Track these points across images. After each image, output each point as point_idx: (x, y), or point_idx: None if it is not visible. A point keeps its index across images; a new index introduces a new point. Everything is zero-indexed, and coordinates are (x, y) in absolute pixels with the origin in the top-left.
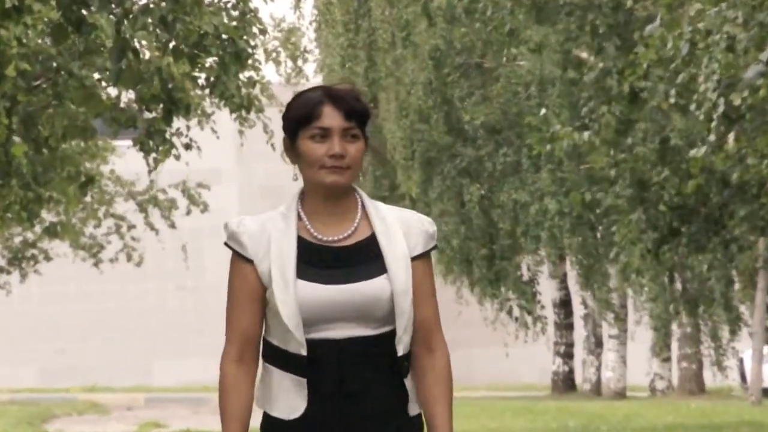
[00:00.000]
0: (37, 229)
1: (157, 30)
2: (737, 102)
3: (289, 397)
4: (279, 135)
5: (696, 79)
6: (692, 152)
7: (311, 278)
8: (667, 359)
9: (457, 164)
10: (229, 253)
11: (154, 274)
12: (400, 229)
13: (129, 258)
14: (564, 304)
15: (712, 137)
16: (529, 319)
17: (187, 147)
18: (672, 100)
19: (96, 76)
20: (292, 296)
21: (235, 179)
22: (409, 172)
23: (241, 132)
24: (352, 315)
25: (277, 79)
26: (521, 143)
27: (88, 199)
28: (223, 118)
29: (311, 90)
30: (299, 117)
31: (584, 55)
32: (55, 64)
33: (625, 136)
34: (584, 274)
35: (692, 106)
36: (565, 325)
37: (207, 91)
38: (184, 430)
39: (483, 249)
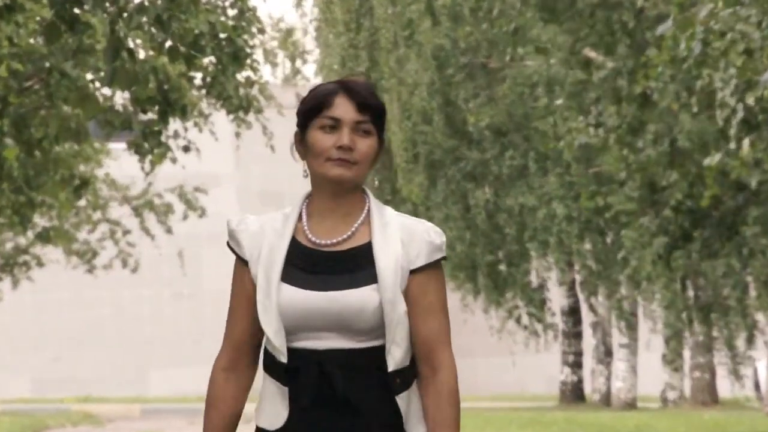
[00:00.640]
0: (30, 234)
1: (153, 29)
2: (750, 101)
3: (274, 407)
4: (278, 137)
5: (711, 82)
6: (706, 161)
7: (295, 283)
8: (679, 369)
9: (462, 167)
10: (225, 258)
11: (150, 281)
12: (399, 237)
13: (124, 264)
14: (572, 312)
15: (732, 145)
16: (538, 327)
17: (186, 149)
18: (683, 101)
19: (89, 76)
20: (273, 300)
21: (234, 183)
22: (411, 175)
23: (238, 134)
24: (334, 325)
25: (274, 80)
26: (528, 146)
27: (82, 203)
28: (221, 120)
29: (328, 83)
30: (311, 106)
31: (593, 54)
32: (47, 64)
33: (635, 137)
34: (593, 281)
35: (714, 111)
36: (574, 334)
37: (204, 91)
38: None
39: (489, 255)
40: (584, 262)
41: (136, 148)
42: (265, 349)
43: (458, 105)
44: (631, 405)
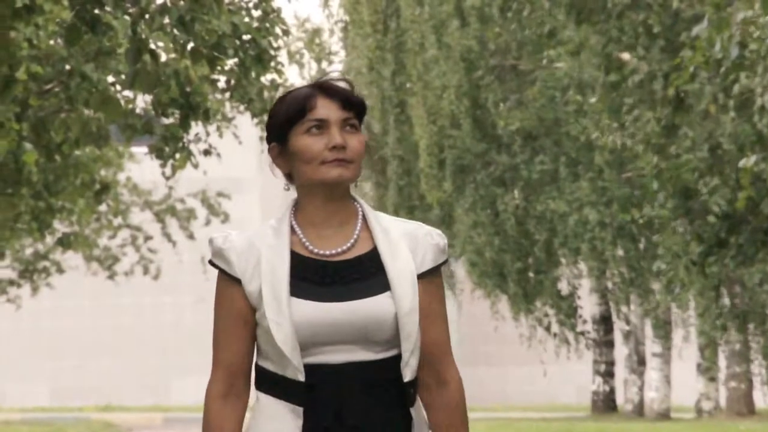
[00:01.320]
0: (49, 240)
1: (175, 31)
2: None
3: (282, 427)
4: None
5: (749, 86)
6: (741, 162)
7: (306, 296)
8: (714, 378)
9: (491, 172)
10: None
11: (172, 288)
12: (405, 243)
13: (145, 271)
14: (604, 320)
15: None
16: (569, 335)
17: (206, 153)
18: (720, 104)
19: (110, 79)
20: (287, 316)
21: (257, 188)
22: (435, 180)
23: (262, 138)
24: (353, 337)
25: (300, 82)
26: (559, 150)
27: (102, 208)
28: (245, 123)
29: (297, 88)
30: (290, 113)
31: (626, 56)
32: (67, 67)
33: (669, 142)
34: (626, 289)
35: (751, 114)
36: (606, 343)
37: (227, 94)
38: None
39: (518, 262)
40: (617, 269)
41: (158, 153)
42: (263, 369)
43: (487, 108)
44: (664, 415)
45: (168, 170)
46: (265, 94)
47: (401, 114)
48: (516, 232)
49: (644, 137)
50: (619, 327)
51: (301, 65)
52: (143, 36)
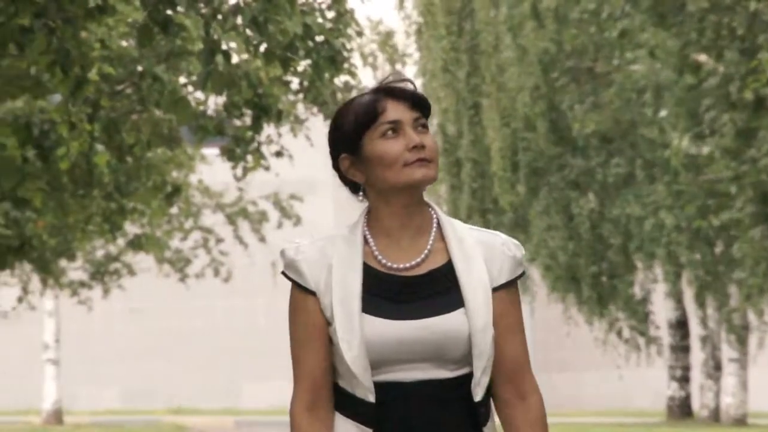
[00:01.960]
0: (120, 242)
1: (248, 31)
2: None
3: None
4: None
5: None
6: None
7: (379, 313)
8: None
9: (566, 175)
10: None
11: (243, 291)
12: (480, 255)
13: (216, 273)
14: (680, 325)
15: None
16: (641, 340)
17: (278, 154)
18: None
19: (182, 80)
20: (358, 335)
21: (330, 191)
22: (509, 184)
23: None
24: (425, 355)
25: (373, 84)
26: (635, 153)
27: (173, 210)
28: (318, 124)
29: (359, 96)
30: (360, 120)
31: (703, 58)
32: (139, 68)
33: (747, 146)
34: (702, 293)
35: None
36: (682, 347)
37: (300, 96)
38: None
39: (592, 266)
40: (694, 274)
41: (229, 154)
42: (337, 386)
43: (562, 110)
44: (741, 421)
45: (239, 172)
46: (338, 96)
47: (475, 116)
48: (590, 236)
49: (721, 140)
50: (696, 332)
51: (374, 67)
52: (216, 37)
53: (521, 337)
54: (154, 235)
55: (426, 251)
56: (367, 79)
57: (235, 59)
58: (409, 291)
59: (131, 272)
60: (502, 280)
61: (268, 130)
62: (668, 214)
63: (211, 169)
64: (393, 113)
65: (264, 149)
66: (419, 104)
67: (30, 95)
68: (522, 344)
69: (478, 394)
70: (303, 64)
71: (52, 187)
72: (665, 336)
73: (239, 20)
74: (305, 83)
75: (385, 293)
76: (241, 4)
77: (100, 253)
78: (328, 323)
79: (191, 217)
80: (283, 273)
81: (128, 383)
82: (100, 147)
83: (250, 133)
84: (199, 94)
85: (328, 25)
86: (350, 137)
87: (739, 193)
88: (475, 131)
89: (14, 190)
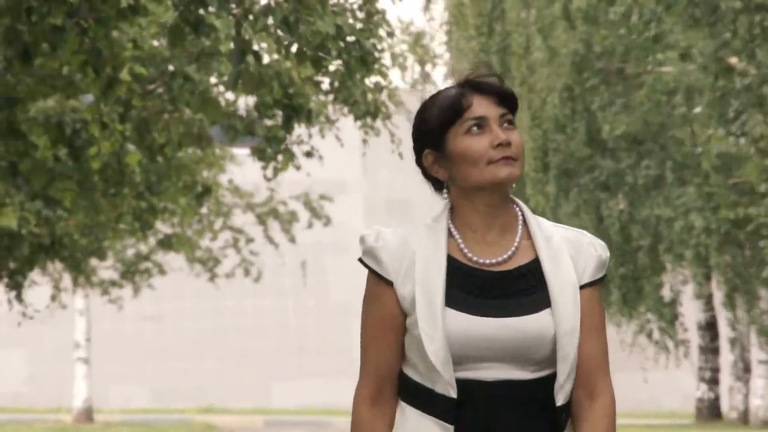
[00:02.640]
0: (151, 241)
1: (279, 31)
2: None
3: None
4: (406, 144)
5: None
6: None
7: (463, 308)
8: None
9: (596, 177)
10: (351, 268)
11: (273, 291)
12: (567, 253)
13: (246, 273)
14: (709, 327)
15: None
16: (670, 342)
17: (308, 154)
18: None
19: (212, 80)
20: (440, 328)
21: (360, 191)
22: (539, 184)
23: (365, 141)
24: (508, 354)
25: (403, 85)
26: (665, 155)
27: (204, 210)
28: (348, 125)
29: (445, 89)
30: (445, 115)
31: (734, 60)
32: (170, 68)
33: None
34: (731, 295)
35: None
36: (711, 349)
37: (331, 96)
38: None
39: (621, 267)
40: (724, 276)
41: (259, 154)
42: (409, 379)
43: (593, 112)
44: None
45: (270, 172)
46: (369, 96)
47: None
48: (620, 238)
49: (753, 140)
50: (725, 334)
51: (404, 68)
52: (247, 37)
53: (602, 337)
54: (185, 234)
55: (513, 248)
56: (397, 79)
57: (266, 59)
58: (495, 287)
59: (162, 272)
60: (586, 279)
61: (299, 130)
62: (698, 216)
63: (241, 169)
64: (479, 109)
65: (294, 149)
66: (506, 100)
67: (62, 95)
68: (601, 345)
69: (560, 399)
70: (334, 65)
71: (83, 187)
72: (694, 338)
73: (270, 20)
74: (336, 83)
75: (470, 288)
76: (272, 4)
77: (130, 253)
78: (405, 315)
79: (221, 217)
80: (361, 260)
81: (158, 382)
82: (131, 147)
83: (281, 133)
84: (230, 95)
85: (359, 25)
86: (434, 132)
87: None
88: None
89: (45, 190)
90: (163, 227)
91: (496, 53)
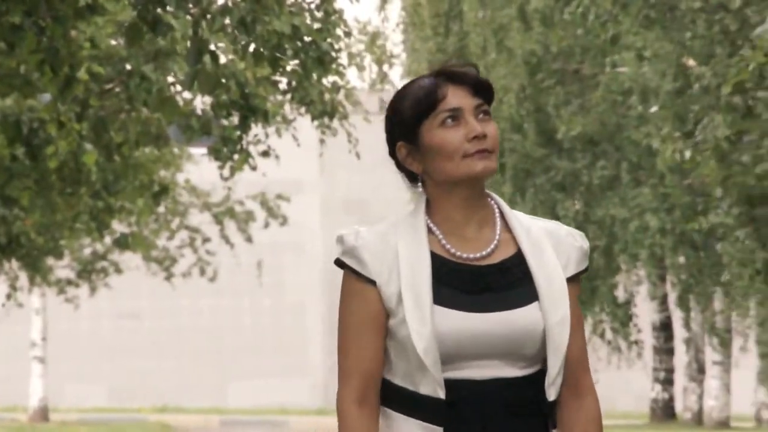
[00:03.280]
0: (108, 240)
1: (236, 32)
2: None
3: None
4: (363, 144)
5: None
6: None
7: (450, 304)
8: None
9: (552, 177)
10: (307, 268)
11: (229, 291)
12: (549, 244)
13: (203, 272)
14: (664, 327)
15: None
16: (623, 343)
17: (265, 154)
18: None
19: (170, 79)
20: (429, 326)
21: (317, 191)
22: (495, 185)
23: (322, 141)
24: (499, 351)
25: (360, 84)
26: (620, 156)
27: (161, 209)
28: (305, 125)
29: (419, 78)
30: (419, 107)
31: (691, 63)
32: (128, 67)
33: (733, 149)
34: (686, 296)
35: None
36: (665, 350)
37: (288, 96)
38: None
39: None
40: (678, 276)
41: (216, 154)
42: (390, 383)
43: (549, 112)
44: (724, 424)
45: (226, 172)
46: (326, 96)
47: None
48: None
49: (713, 143)
50: (679, 334)
51: (361, 68)
52: (204, 37)
53: (582, 334)
54: (141, 233)
55: (495, 241)
56: (354, 79)
57: (222, 59)
58: (481, 282)
59: (118, 271)
60: (569, 273)
61: (256, 129)
62: (653, 217)
63: (198, 168)
64: (454, 100)
65: (251, 149)
66: (482, 90)
67: (19, 94)
68: (581, 342)
69: (552, 394)
70: (291, 64)
71: (40, 186)
72: (649, 338)
73: (227, 20)
74: (293, 83)
75: (456, 283)
76: (230, 4)
77: (87, 252)
78: (388, 315)
79: (178, 217)
80: (339, 261)
81: (114, 381)
82: (88, 146)
83: (237, 133)
84: (187, 94)
85: (316, 25)
86: (407, 124)
87: (725, 195)
88: None
89: (2, 189)
90: (119, 226)
91: (452, 54)
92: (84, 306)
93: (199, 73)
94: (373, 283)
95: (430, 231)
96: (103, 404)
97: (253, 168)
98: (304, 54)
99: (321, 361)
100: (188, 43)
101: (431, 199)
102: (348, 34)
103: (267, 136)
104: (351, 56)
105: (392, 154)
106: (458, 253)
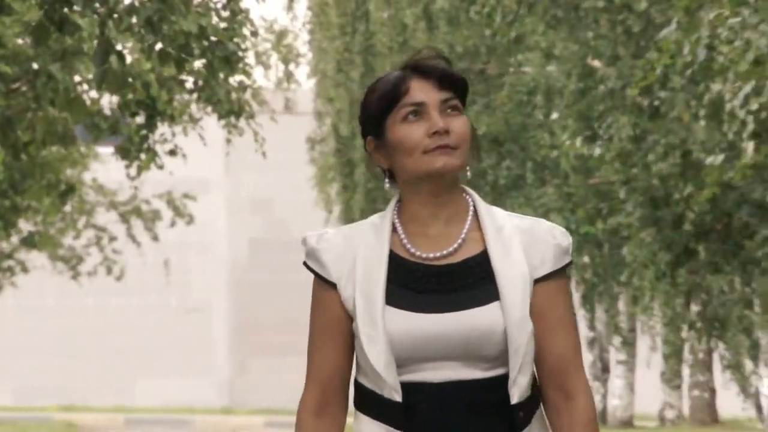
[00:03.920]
0: (14, 239)
1: (142, 31)
2: (755, 107)
3: None
4: (270, 143)
5: (720, 92)
6: (709, 159)
7: (403, 305)
8: (678, 387)
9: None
10: (214, 267)
11: (136, 290)
12: (519, 244)
13: (109, 271)
14: None
15: (748, 159)
16: None
17: (172, 153)
18: (693, 111)
19: (77, 79)
20: (381, 329)
21: (223, 190)
22: None
23: (229, 140)
24: (455, 352)
25: (267, 84)
26: (525, 156)
27: (67, 208)
28: (211, 124)
29: (388, 73)
30: (383, 101)
31: (596, 63)
32: (35, 66)
33: (637, 150)
34: (591, 296)
35: (722, 120)
36: None
37: (194, 95)
38: None
39: None
40: (582, 276)
41: (123, 153)
42: (361, 386)
43: None
44: (627, 423)
45: (133, 171)
46: (232, 95)
47: None
48: None
49: (617, 144)
50: (584, 334)
51: (267, 67)
52: (111, 36)
53: (570, 332)
54: (48, 232)
55: (459, 240)
56: (261, 78)
57: (129, 59)
58: (439, 282)
59: (24, 269)
60: (545, 271)
61: (162, 128)
62: (557, 217)
63: (105, 167)
64: (417, 94)
65: (158, 148)
66: (450, 83)
67: None
68: (570, 340)
69: (515, 396)
70: (197, 64)
71: None
72: None
73: (134, 20)
74: (199, 82)
75: (412, 284)
76: (137, 4)
77: None
78: (351, 318)
79: (84, 215)
80: (305, 263)
81: (19, 380)
82: None
83: (143, 132)
84: (94, 93)
85: (223, 25)
86: (374, 119)
87: (629, 196)
88: None
89: None
90: (26, 225)
91: (359, 53)
92: None
93: (106, 73)
94: (333, 286)
95: (394, 230)
96: (8, 403)
97: (160, 167)
98: (211, 53)
99: (226, 361)
100: (95, 43)
101: (402, 194)
102: (255, 34)
103: (174, 135)
104: (257, 55)
105: (365, 148)
106: (417, 253)
